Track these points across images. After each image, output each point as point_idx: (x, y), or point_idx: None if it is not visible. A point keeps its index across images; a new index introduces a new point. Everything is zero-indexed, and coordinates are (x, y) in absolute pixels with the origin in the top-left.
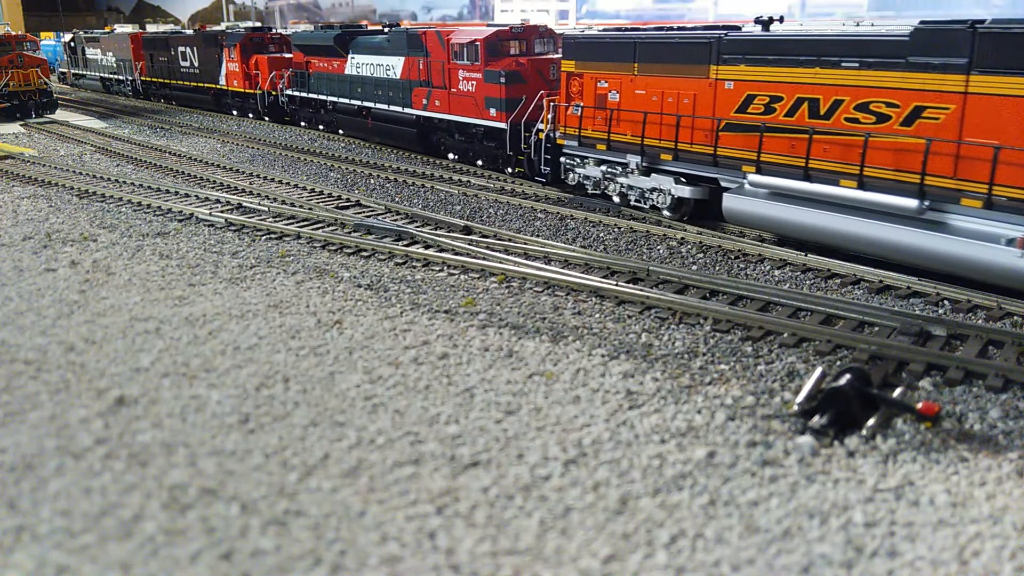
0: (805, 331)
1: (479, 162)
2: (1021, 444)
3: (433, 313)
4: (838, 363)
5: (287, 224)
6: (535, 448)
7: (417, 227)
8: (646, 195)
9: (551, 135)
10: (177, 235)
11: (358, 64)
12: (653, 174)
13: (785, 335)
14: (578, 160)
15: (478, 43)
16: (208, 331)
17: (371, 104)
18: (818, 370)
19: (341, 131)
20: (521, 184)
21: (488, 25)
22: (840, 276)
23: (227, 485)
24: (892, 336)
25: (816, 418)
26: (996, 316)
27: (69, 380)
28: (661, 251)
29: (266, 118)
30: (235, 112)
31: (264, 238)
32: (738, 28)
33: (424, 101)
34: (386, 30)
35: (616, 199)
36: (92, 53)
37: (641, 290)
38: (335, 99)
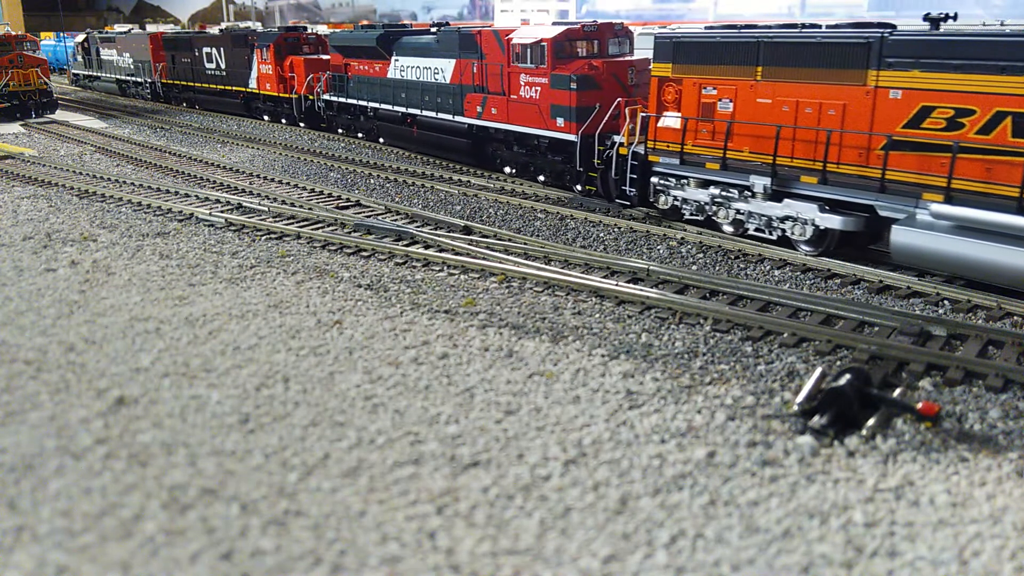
0: (805, 331)
1: (540, 178)
2: (1021, 444)
3: (433, 313)
4: (838, 363)
5: (287, 224)
6: (535, 448)
7: (417, 227)
8: (773, 224)
9: (638, 150)
10: (177, 235)
11: (402, 67)
12: (786, 200)
13: (785, 335)
14: (674, 180)
15: (544, 44)
16: (208, 331)
17: (416, 111)
18: (818, 370)
19: (382, 140)
20: (521, 184)
21: (554, 23)
22: (840, 276)
23: (227, 485)
24: (892, 336)
25: (816, 418)
26: (996, 316)
27: (69, 380)
28: (661, 251)
29: (302, 124)
30: (266, 117)
31: (264, 238)
32: (892, 26)
33: (478, 109)
34: (433, 29)
35: (728, 228)
36: (107, 54)
37: (641, 290)
38: (376, 105)
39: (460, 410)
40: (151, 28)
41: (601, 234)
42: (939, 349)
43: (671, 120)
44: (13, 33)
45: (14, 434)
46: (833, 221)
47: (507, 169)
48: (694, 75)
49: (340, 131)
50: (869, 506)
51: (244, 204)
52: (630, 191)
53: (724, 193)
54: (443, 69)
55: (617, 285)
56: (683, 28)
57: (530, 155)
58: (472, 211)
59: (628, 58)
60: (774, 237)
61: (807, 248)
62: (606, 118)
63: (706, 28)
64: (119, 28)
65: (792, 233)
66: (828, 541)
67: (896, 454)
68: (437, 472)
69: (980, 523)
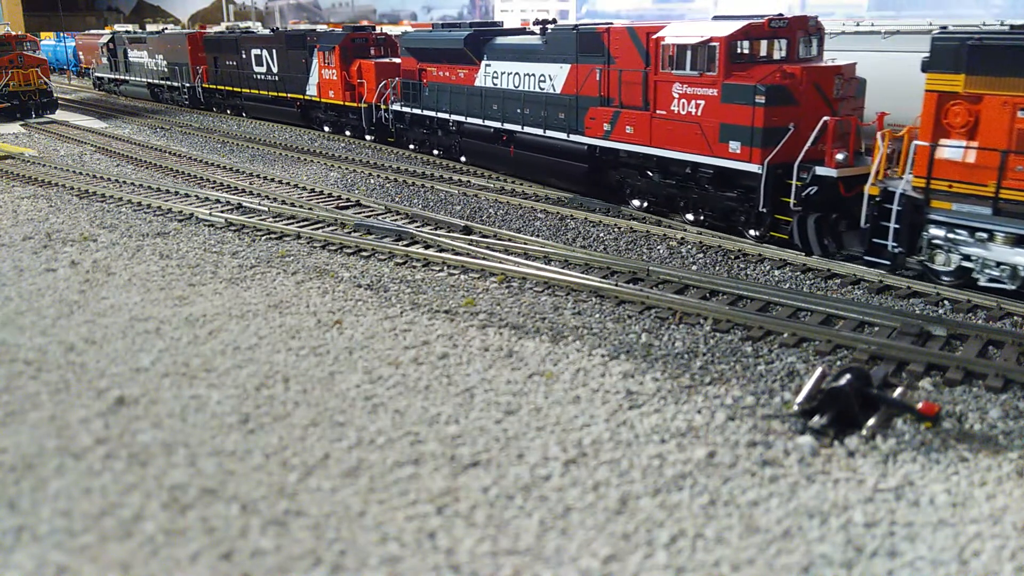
0: (805, 331)
1: (689, 216)
2: (1021, 444)
3: (433, 313)
4: (838, 363)
5: (287, 224)
6: (535, 448)
7: (417, 227)
8: None
9: (908, 191)
10: (177, 235)
11: (495, 73)
12: None
13: (785, 335)
14: (965, 234)
15: (715, 44)
16: (208, 331)
17: (515, 127)
18: (818, 370)
19: (464, 159)
20: (521, 184)
21: (715, 17)
22: (840, 276)
23: (227, 485)
24: (892, 336)
25: (816, 418)
26: (996, 316)
27: (69, 380)
28: (661, 251)
29: (368, 137)
30: (327, 128)
31: (264, 238)
32: None
33: (605, 126)
34: (536, 27)
35: None
36: (136, 56)
37: (641, 290)
38: (460, 118)
39: (460, 410)
40: (150, 28)
41: (601, 234)
42: (939, 349)
43: (959, 151)
44: (13, 33)
45: (14, 434)
46: None
47: (635, 202)
48: (1005, 91)
49: (412, 147)
50: (869, 506)
51: (244, 204)
52: (893, 246)
53: None
54: (552, 76)
55: (617, 285)
56: (962, 25)
57: (680, 187)
58: (472, 211)
59: (832, 63)
60: None
61: None
62: (808, 144)
63: (1008, 25)
64: (121, 27)
65: None
66: (828, 541)
67: (896, 454)
68: (437, 472)
69: (980, 523)
